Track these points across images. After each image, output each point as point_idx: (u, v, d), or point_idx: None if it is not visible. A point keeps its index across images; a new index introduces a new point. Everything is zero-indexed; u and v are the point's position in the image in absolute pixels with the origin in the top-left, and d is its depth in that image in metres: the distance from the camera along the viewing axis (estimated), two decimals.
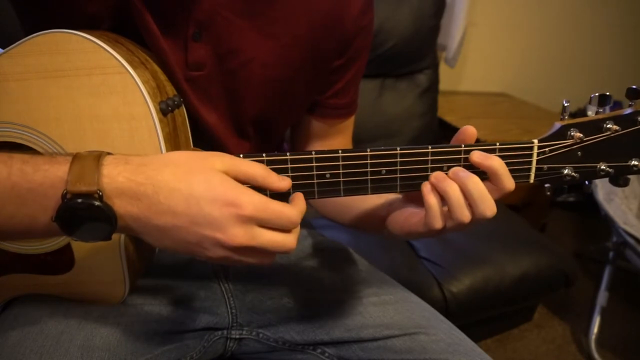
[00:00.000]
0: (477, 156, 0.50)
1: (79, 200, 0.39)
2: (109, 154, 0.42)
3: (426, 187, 0.50)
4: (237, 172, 0.43)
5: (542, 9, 2.19)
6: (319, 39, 0.64)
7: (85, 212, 0.39)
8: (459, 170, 0.50)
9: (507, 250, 1.27)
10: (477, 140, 0.52)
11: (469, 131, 0.51)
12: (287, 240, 0.43)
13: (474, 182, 0.48)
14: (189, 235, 0.41)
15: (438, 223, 0.50)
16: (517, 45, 2.24)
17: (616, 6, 2.30)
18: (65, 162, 0.40)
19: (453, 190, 0.48)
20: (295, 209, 0.44)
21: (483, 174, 0.50)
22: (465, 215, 0.48)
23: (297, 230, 0.45)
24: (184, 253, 0.43)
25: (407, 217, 0.56)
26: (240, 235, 0.41)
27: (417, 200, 0.55)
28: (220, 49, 0.59)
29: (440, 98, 1.72)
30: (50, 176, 0.40)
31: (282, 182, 0.46)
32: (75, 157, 0.40)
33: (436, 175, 0.50)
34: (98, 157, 0.40)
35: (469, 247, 1.26)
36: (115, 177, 0.40)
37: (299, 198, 0.48)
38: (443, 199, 0.49)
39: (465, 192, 0.49)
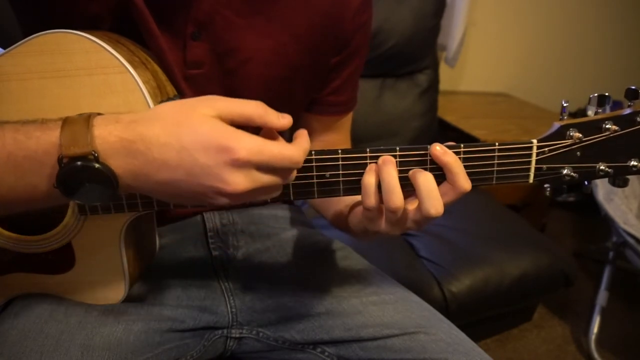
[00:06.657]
0: (436, 150, 0.50)
1: (78, 163, 0.39)
2: (99, 114, 0.41)
3: (368, 167, 0.50)
4: (232, 114, 0.41)
5: (542, 9, 2.19)
6: (317, 37, 0.64)
7: (84, 175, 0.39)
8: (416, 170, 0.50)
9: (507, 250, 1.27)
10: (477, 141, 0.52)
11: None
12: (290, 179, 0.44)
13: (425, 178, 0.49)
14: (191, 187, 0.41)
15: (370, 200, 0.50)
16: (517, 45, 2.24)
17: (617, 6, 2.29)
18: (56, 127, 0.40)
19: (389, 176, 0.49)
20: (297, 148, 0.43)
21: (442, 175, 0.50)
22: (394, 202, 0.48)
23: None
24: (193, 204, 0.42)
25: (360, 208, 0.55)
26: (241, 182, 0.40)
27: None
28: (219, 48, 0.59)
29: (440, 98, 1.72)
30: (43, 143, 0.40)
31: (282, 120, 0.43)
32: (66, 121, 0.40)
33: (383, 159, 0.50)
34: (88, 119, 0.40)
35: (469, 247, 1.26)
36: (106, 137, 0.40)
37: (301, 136, 0.46)
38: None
39: (415, 185, 0.49)
